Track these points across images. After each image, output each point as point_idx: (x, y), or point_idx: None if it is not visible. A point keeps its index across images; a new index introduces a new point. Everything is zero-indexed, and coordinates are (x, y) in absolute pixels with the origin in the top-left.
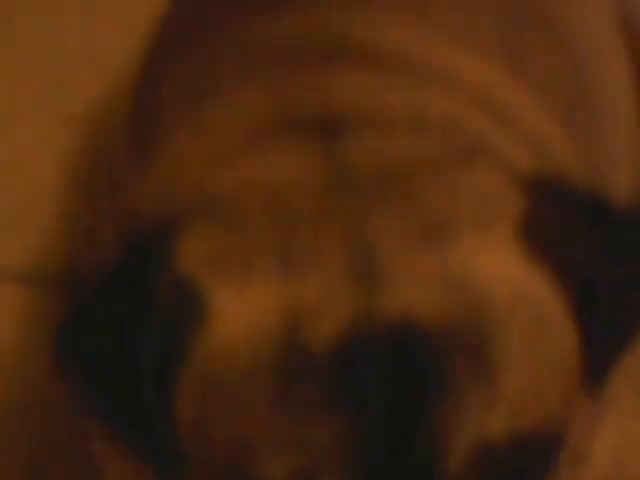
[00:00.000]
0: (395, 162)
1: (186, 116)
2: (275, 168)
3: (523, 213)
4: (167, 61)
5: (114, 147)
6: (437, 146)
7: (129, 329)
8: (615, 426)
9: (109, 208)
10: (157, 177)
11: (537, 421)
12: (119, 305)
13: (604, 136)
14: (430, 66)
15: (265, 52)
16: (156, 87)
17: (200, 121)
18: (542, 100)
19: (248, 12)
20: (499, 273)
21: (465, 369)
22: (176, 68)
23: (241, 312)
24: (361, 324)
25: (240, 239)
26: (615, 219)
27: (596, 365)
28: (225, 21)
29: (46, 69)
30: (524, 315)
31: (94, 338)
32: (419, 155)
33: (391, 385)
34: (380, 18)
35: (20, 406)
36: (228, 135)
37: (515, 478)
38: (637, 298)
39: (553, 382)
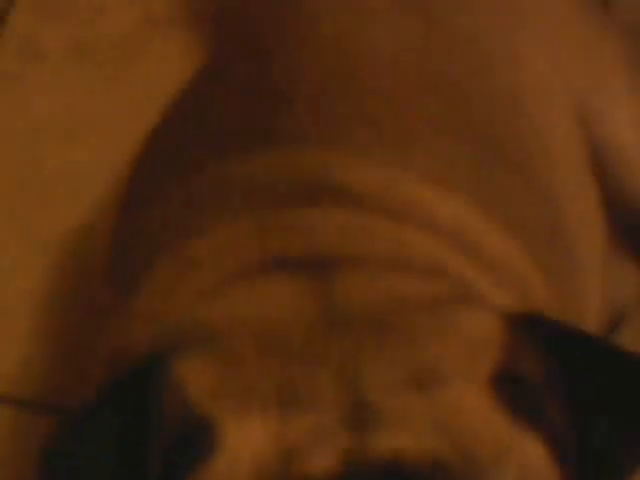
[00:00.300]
0: (384, 302)
1: (169, 248)
2: (266, 305)
3: (508, 365)
4: (144, 204)
5: (95, 277)
6: (423, 287)
7: (129, 445)
8: None
9: (97, 340)
10: (144, 307)
11: None
12: (113, 422)
13: (573, 272)
14: (411, 207)
15: (245, 192)
16: (135, 226)
17: (185, 253)
18: (517, 240)
19: (224, 151)
20: (485, 420)
21: None
22: (154, 210)
23: (243, 446)
24: (352, 464)
25: (238, 374)
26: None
27: None
28: (201, 161)
29: (24, 196)
30: (509, 463)
31: (83, 453)
32: (406, 296)
33: None
34: (359, 158)
35: None
36: (215, 269)
37: None
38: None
39: None
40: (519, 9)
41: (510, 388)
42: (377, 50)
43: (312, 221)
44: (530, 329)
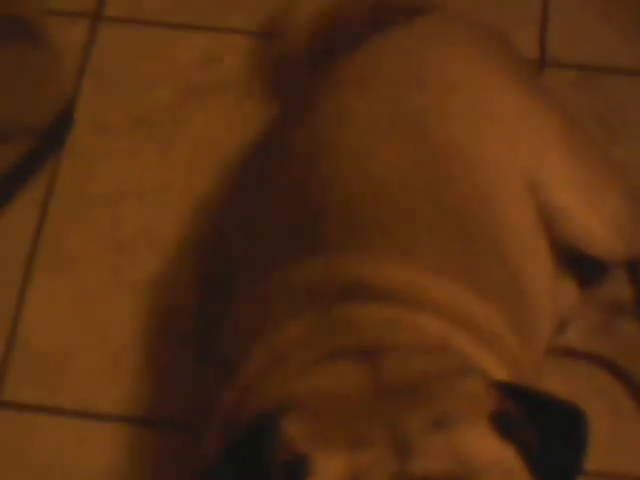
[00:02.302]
0: (415, 375)
1: (261, 341)
2: (334, 380)
3: (496, 409)
4: (238, 301)
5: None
6: (441, 363)
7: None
8: None
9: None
10: (248, 383)
11: None
12: (243, 467)
13: (536, 329)
14: (421, 295)
15: (303, 294)
16: (233, 322)
17: (272, 346)
18: (498, 309)
19: (281, 262)
20: (481, 448)
21: None
22: (244, 311)
23: (328, 472)
24: (398, 478)
25: (322, 426)
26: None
27: None
28: (267, 270)
29: (110, 250)
30: (498, 471)
31: None
32: (430, 370)
33: None
34: (382, 261)
35: None
36: (296, 359)
37: None
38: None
39: None
40: (487, 113)
41: (500, 425)
42: (384, 163)
43: (357, 317)
44: (510, 388)
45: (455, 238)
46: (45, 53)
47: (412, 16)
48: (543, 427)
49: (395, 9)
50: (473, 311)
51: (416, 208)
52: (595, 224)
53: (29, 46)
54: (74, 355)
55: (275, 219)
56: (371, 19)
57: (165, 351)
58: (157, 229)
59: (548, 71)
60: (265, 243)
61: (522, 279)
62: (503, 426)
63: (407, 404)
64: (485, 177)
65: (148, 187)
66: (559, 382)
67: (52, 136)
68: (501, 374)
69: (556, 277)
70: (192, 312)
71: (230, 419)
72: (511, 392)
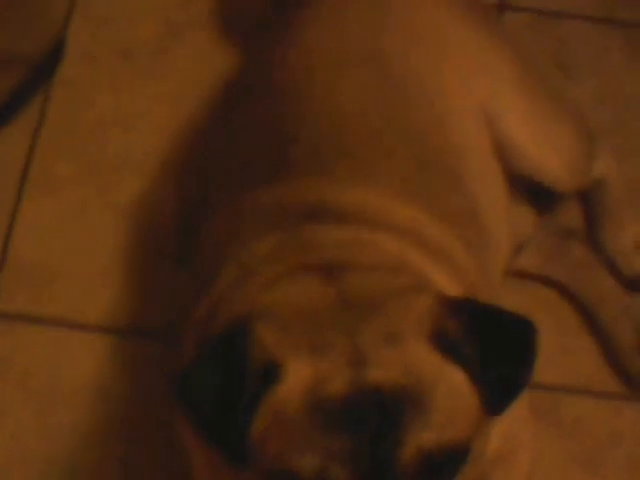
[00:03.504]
0: (374, 291)
1: (232, 256)
2: (301, 293)
3: (436, 329)
4: (213, 216)
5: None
6: (398, 281)
7: (228, 383)
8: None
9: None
10: (221, 295)
11: (453, 441)
12: (219, 368)
13: (492, 253)
14: (380, 216)
15: (273, 215)
16: (208, 235)
17: (243, 260)
18: (454, 232)
19: (253, 183)
20: (427, 362)
21: (411, 411)
22: (218, 224)
23: (296, 378)
24: (353, 390)
25: (289, 335)
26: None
27: (491, 407)
28: (240, 191)
29: (95, 173)
30: (442, 384)
31: (200, 388)
32: (386, 287)
33: (370, 420)
34: (341, 183)
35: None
36: (266, 272)
37: (438, 471)
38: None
39: (463, 417)
40: (442, 43)
41: (442, 341)
42: (349, 98)
43: (321, 236)
44: (456, 305)
45: (413, 164)
46: None
47: None
48: (493, 340)
49: None
50: (429, 233)
51: (377, 137)
52: (547, 156)
53: None
54: (61, 270)
55: (249, 147)
56: None
57: (147, 266)
58: (140, 155)
59: (507, 14)
60: (239, 167)
61: (477, 205)
62: (443, 345)
63: (365, 317)
64: (443, 108)
65: (132, 116)
66: (506, 298)
67: (44, 68)
68: (455, 293)
69: (511, 205)
70: (172, 229)
71: (204, 329)
72: (462, 307)
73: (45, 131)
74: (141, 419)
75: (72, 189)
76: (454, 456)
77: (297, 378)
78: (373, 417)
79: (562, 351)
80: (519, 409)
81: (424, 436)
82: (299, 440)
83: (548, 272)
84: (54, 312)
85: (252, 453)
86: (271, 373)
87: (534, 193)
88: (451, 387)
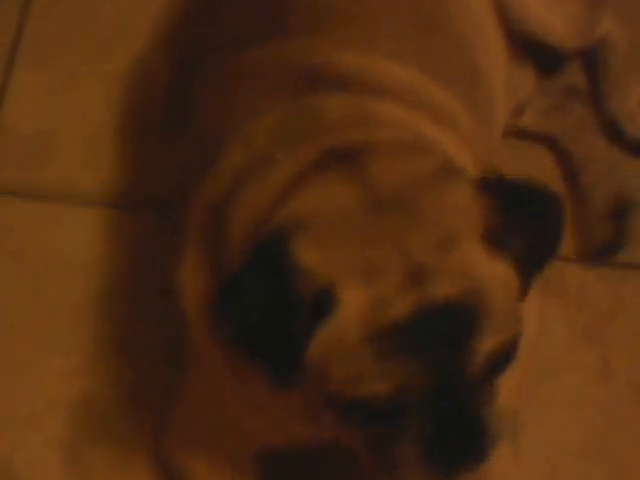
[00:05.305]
0: (404, 183)
1: (232, 130)
2: (330, 195)
3: (487, 226)
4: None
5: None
6: (425, 165)
7: (276, 304)
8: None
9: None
10: (230, 172)
11: (512, 336)
12: (265, 284)
13: (492, 110)
14: (383, 83)
15: (272, 74)
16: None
17: (248, 134)
18: (454, 93)
19: (252, 41)
20: (484, 267)
21: (480, 319)
22: (205, 84)
23: (351, 306)
24: (421, 306)
25: (336, 254)
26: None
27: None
28: (238, 45)
29: (90, 37)
30: (500, 285)
31: (250, 304)
32: (417, 174)
33: (441, 337)
34: (345, 48)
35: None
36: (280, 162)
37: (497, 366)
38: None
39: (515, 310)
40: None
41: (493, 237)
42: None
43: (326, 108)
44: (489, 186)
45: (414, 27)
46: None
47: None
48: (529, 223)
49: None
50: (432, 95)
51: (377, 0)
52: (552, 14)
53: None
54: (54, 140)
55: (243, 6)
56: None
57: (140, 137)
58: (132, 23)
59: None
60: (235, 27)
61: (477, 65)
62: (494, 241)
63: (408, 221)
64: None
65: None
66: (510, 161)
67: None
68: (464, 156)
69: (512, 66)
70: (164, 96)
71: (222, 217)
72: (495, 189)
73: (35, 3)
74: (136, 291)
75: (63, 60)
76: (511, 350)
77: (354, 305)
78: (443, 333)
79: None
80: None
81: (492, 340)
82: (367, 368)
83: (544, 127)
84: (46, 185)
85: (304, 377)
86: (324, 302)
87: (538, 54)
88: (506, 285)
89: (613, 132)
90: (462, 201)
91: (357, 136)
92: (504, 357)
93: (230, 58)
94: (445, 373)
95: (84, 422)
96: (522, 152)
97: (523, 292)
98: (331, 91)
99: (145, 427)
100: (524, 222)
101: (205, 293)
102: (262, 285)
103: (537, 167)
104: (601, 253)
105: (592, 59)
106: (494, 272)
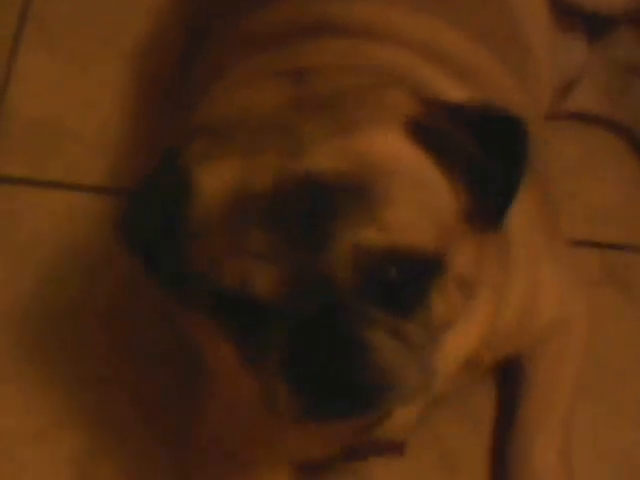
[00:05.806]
0: (340, 90)
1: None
2: (256, 96)
3: (414, 116)
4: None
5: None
6: (371, 80)
7: (157, 208)
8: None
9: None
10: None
11: (410, 245)
12: (154, 193)
13: (528, 63)
14: (391, 30)
15: (275, 28)
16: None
17: (232, 78)
18: (487, 49)
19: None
20: (386, 151)
21: (350, 202)
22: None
23: (215, 184)
24: (283, 179)
25: (218, 146)
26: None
27: (484, 215)
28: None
29: (98, 22)
30: (403, 175)
31: (139, 217)
32: (357, 86)
33: (302, 212)
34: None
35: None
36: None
37: (395, 289)
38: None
39: (430, 220)
40: None
41: (417, 132)
42: None
43: (314, 49)
44: (453, 110)
45: None
46: None
47: None
48: (482, 135)
49: None
50: (450, 47)
51: None
52: None
53: None
54: (62, 126)
55: None
56: None
57: (150, 118)
58: (143, 2)
59: None
60: None
61: (516, 23)
62: (421, 134)
63: (316, 114)
64: None
65: None
66: (572, 149)
67: None
68: None
69: (556, 28)
70: (173, 72)
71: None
72: (453, 109)
73: None
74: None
75: (71, 41)
76: (415, 268)
77: (218, 183)
78: (301, 210)
79: (627, 205)
80: (569, 278)
81: (364, 231)
82: (223, 246)
83: (608, 113)
84: (54, 173)
85: (190, 275)
86: (183, 191)
87: (586, 20)
88: (418, 180)
89: None
90: (391, 99)
91: (317, 62)
92: (404, 272)
93: (235, 21)
94: (300, 257)
95: (92, 438)
96: (585, 138)
97: (479, 215)
98: (330, 38)
99: (156, 444)
100: (473, 131)
101: None
102: (153, 194)
103: (603, 153)
104: None
105: None
106: (400, 160)
